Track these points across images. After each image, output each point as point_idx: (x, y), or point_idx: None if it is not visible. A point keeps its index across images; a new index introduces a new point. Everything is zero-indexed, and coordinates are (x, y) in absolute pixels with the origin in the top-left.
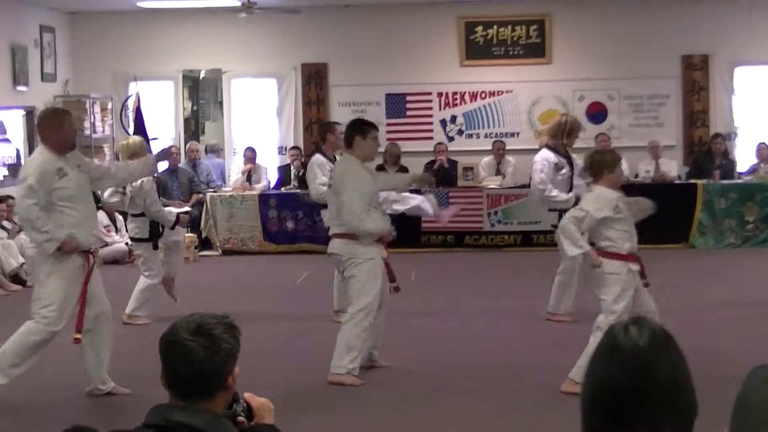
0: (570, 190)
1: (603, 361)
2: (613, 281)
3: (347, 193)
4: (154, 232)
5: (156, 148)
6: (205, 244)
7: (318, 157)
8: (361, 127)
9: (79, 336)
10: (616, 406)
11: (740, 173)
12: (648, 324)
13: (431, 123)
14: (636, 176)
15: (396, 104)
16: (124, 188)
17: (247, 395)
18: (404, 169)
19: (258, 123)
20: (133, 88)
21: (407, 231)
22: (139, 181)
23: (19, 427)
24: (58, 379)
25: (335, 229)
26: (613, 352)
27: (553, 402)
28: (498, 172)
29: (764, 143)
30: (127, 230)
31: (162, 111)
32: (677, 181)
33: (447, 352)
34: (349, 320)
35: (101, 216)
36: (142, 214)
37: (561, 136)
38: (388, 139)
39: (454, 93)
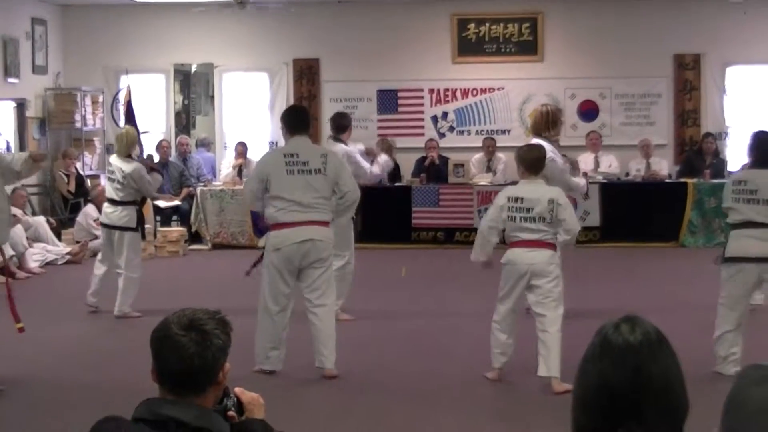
0: None
1: (595, 359)
2: None
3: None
4: (140, 220)
5: (146, 140)
6: (194, 238)
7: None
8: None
9: (21, 325)
10: (610, 405)
11: (731, 173)
12: (640, 322)
13: (422, 119)
14: (627, 175)
15: (387, 100)
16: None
17: (237, 390)
18: (395, 165)
19: (249, 118)
20: (125, 81)
21: (397, 227)
22: (131, 168)
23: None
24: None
25: (320, 215)
26: (604, 350)
27: (545, 400)
28: (488, 169)
29: None
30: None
31: (153, 105)
32: (668, 180)
33: (437, 351)
34: (330, 312)
35: (90, 209)
36: (132, 203)
37: (546, 128)
38: (380, 135)
39: (446, 89)
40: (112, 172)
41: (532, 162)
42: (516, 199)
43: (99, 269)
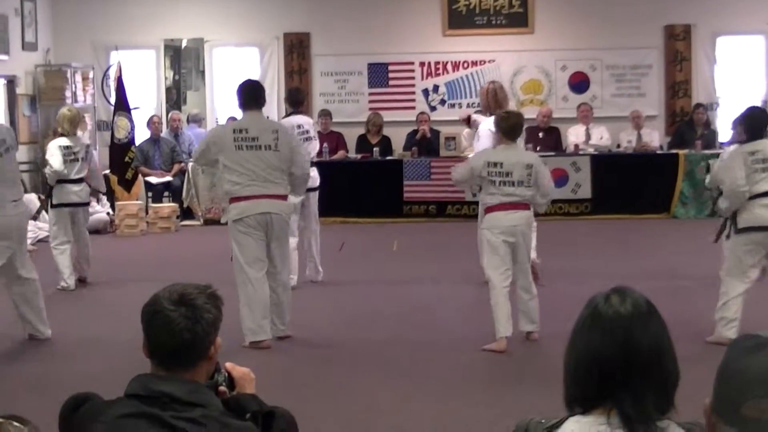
0: None
1: (585, 330)
2: None
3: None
4: None
5: (137, 117)
6: (186, 213)
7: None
8: None
9: None
10: (600, 376)
11: (722, 143)
12: (631, 293)
13: (413, 93)
14: (618, 146)
15: (378, 74)
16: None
17: (228, 365)
18: (386, 139)
19: None
20: (115, 57)
21: (389, 201)
22: (88, 141)
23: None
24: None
25: (278, 188)
26: (594, 321)
27: (536, 371)
28: None
29: None
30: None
31: (143, 80)
32: (659, 152)
33: (429, 324)
34: (287, 284)
35: None
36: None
37: (494, 107)
38: (371, 109)
39: (437, 62)
40: (76, 152)
41: (510, 128)
42: (495, 164)
43: (66, 251)
